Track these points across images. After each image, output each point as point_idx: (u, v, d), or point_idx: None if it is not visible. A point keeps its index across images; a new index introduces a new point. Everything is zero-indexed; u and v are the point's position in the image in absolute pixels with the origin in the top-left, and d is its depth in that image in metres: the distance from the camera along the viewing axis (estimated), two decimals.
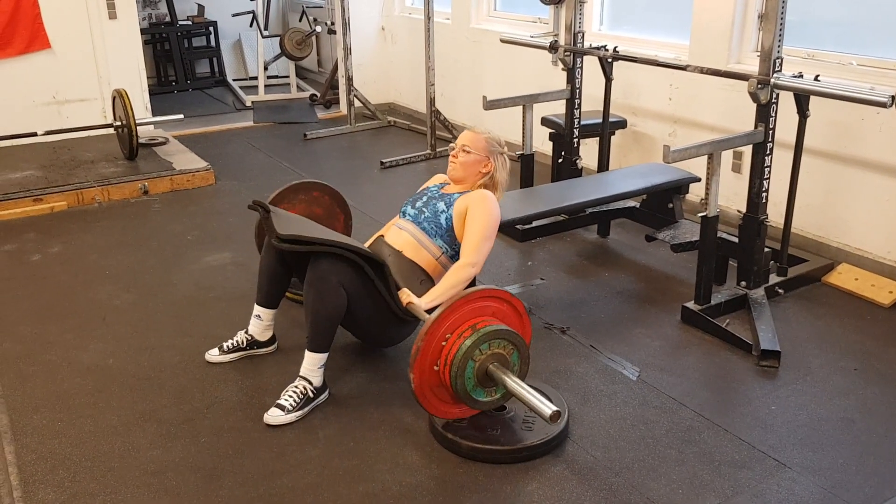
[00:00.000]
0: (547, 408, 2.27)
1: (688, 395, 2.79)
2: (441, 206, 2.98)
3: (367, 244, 3.01)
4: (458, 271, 2.81)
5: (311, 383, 2.69)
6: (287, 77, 8.37)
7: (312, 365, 2.70)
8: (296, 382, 2.70)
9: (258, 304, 3.01)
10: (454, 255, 2.94)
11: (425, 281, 2.91)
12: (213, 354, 3.03)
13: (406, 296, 2.74)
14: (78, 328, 3.33)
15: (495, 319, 2.47)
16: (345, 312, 2.68)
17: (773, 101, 3.20)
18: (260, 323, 3.03)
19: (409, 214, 3.04)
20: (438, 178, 3.20)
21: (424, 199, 3.06)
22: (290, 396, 2.66)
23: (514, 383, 2.39)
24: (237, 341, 3.04)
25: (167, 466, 2.44)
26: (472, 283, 2.85)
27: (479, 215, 2.87)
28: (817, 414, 2.67)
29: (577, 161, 4.34)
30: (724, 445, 2.51)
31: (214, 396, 2.81)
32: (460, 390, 2.41)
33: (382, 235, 3.05)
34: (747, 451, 2.48)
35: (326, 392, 2.76)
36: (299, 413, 2.65)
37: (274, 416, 2.63)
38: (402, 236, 2.97)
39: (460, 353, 2.37)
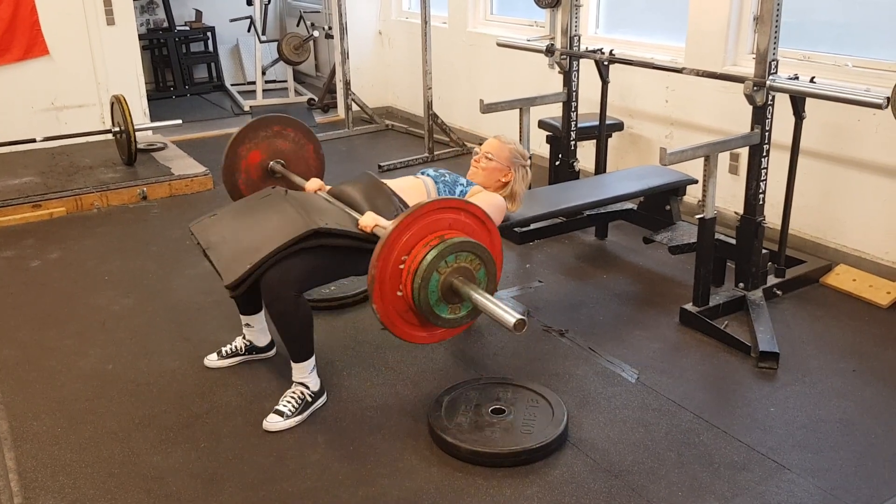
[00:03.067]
0: (511, 316, 2.15)
1: (687, 397, 2.79)
2: (462, 181, 3.03)
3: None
4: None
5: (308, 388, 2.70)
6: (285, 82, 8.39)
7: (303, 371, 2.70)
8: (293, 388, 2.70)
9: (241, 313, 3.01)
10: None
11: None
12: (212, 360, 3.04)
13: (371, 219, 2.63)
14: (77, 334, 3.33)
15: (458, 231, 2.34)
16: (311, 318, 2.62)
17: (769, 103, 3.21)
18: (252, 329, 3.03)
19: (428, 173, 3.05)
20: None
21: (447, 173, 3.07)
22: (289, 402, 2.66)
23: (479, 295, 2.28)
24: (236, 346, 3.04)
25: (167, 472, 2.45)
26: None
27: (483, 202, 2.79)
28: (816, 415, 2.68)
29: (575, 163, 4.35)
30: (724, 447, 2.52)
31: (214, 401, 2.81)
32: (423, 304, 2.30)
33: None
34: (746, 452, 2.49)
35: (324, 396, 2.77)
36: (298, 418, 2.65)
37: (273, 422, 2.63)
38: (411, 181, 2.97)
39: (424, 263, 2.25)
